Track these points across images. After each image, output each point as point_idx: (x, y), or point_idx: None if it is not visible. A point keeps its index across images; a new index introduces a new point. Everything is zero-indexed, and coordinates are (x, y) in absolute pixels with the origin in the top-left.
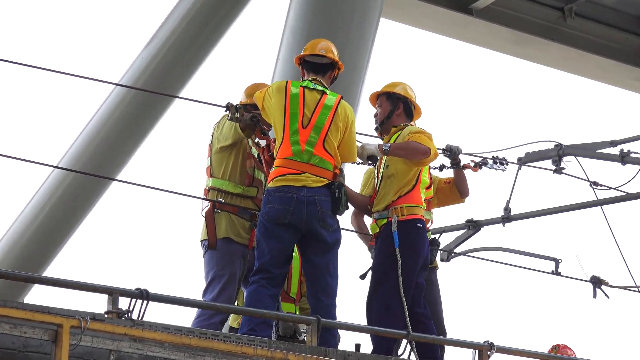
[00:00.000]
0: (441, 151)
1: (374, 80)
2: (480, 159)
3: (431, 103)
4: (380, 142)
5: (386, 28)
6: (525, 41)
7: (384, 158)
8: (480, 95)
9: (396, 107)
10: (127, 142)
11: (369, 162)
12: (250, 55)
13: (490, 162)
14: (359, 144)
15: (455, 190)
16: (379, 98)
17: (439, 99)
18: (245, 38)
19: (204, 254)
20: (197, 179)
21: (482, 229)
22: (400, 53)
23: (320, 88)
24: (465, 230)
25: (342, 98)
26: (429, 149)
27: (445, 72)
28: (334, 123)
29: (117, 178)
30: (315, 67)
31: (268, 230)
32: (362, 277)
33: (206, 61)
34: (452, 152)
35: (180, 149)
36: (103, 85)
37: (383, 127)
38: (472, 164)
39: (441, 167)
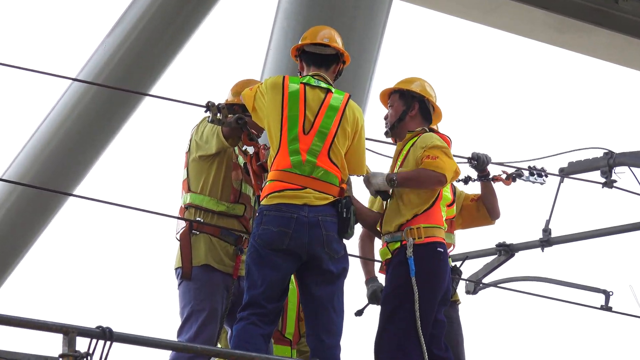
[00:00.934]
0: (466, 161)
1: (385, 75)
2: (514, 169)
3: (454, 101)
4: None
5: (400, 11)
6: (568, 27)
7: (396, 168)
8: (512, 92)
9: (410, 107)
10: (87, 150)
11: (379, 197)
12: (237, 45)
13: (526, 173)
14: (365, 177)
15: (484, 210)
16: (390, 96)
17: (462, 96)
18: (230, 23)
19: (179, 285)
20: (172, 194)
21: (516, 254)
22: (417, 42)
23: (324, 85)
24: (495, 256)
25: (350, 97)
26: (444, 176)
27: (470, 65)
28: (341, 128)
29: (74, 193)
30: (317, 59)
31: (261, 257)
32: (359, 313)
33: (183, 51)
34: (479, 162)
35: (151, 158)
36: (57, 80)
37: (394, 131)
38: (503, 176)
39: (466, 180)
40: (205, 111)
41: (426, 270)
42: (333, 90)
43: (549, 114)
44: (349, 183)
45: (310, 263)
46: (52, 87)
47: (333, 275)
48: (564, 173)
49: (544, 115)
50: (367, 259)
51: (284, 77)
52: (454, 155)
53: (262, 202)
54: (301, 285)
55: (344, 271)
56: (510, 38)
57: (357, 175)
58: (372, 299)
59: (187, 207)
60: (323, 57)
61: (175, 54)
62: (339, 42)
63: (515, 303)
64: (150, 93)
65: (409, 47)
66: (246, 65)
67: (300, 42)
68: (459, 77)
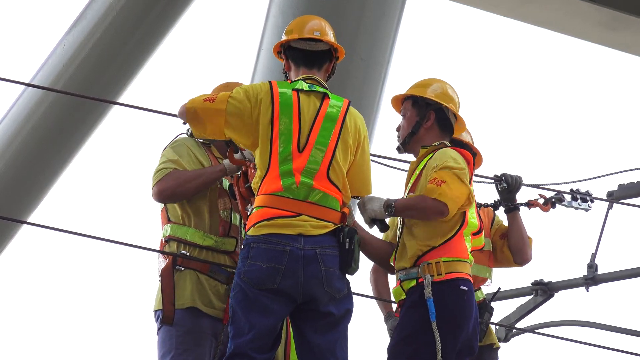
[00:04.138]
0: (492, 182)
1: (400, 80)
2: (554, 193)
3: (480, 111)
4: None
5: (418, 4)
6: (621, 23)
7: (406, 191)
8: (552, 101)
9: (425, 117)
10: (43, 170)
11: (374, 226)
12: (222, 44)
13: (568, 197)
14: (361, 200)
15: (507, 251)
16: (403, 103)
17: (491, 105)
18: (215, 19)
19: (158, 330)
20: (150, 224)
21: (555, 294)
22: (437, 39)
23: (319, 89)
24: (531, 296)
25: (350, 104)
26: (445, 207)
27: (501, 67)
28: (341, 141)
29: (29, 221)
30: (307, 57)
31: (248, 298)
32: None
33: (158, 51)
34: (508, 185)
35: (121, 180)
36: (7, 85)
37: (407, 146)
38: (541, 201)
39: (496, 204)
40: (184, 122)
41: (447, 314)
42: (329, 95)
43: (596, 128)
44: (350, 212)
45: (307, 305)
46: (1, 94)
47: (335, 318)
48: (613, 198)
49: (590, 129)
50: (377, 299)
51: (270, 82)
52: (479, 176)
53: (249, 233)
54: (297, 332)
55: (347, 313)
56: (550, 36)
57: (361, 198)
58: None
59: (167, 240)
60: (314, 54)
61: (149, 55)
62: (330, 35)
63: (554, 352)
64: (119, 101)
65: (427, 46)
66: (234, 69)
67: (284, 37)
68: (487, 82)
